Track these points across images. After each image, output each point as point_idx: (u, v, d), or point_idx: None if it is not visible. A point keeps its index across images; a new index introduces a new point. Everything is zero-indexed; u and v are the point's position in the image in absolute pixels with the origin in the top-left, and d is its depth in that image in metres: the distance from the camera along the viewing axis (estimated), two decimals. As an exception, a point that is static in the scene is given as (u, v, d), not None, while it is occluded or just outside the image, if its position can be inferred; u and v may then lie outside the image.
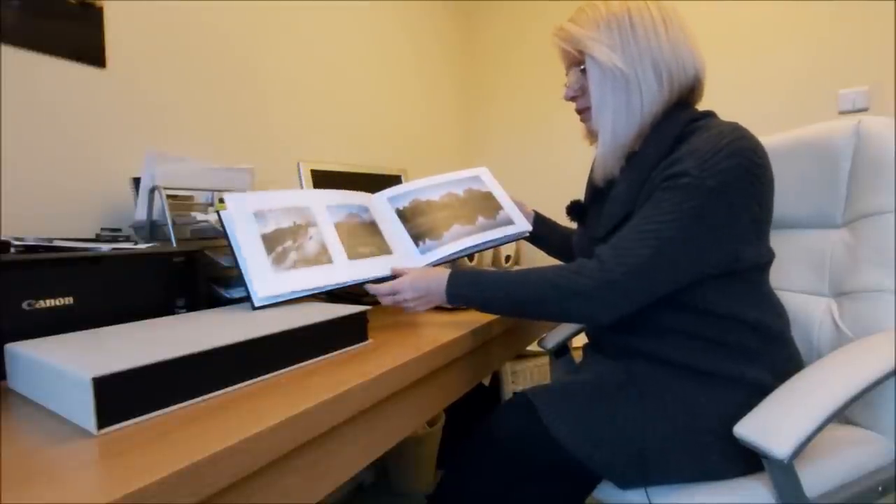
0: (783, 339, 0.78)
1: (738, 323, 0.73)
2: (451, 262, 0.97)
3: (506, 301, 0.77)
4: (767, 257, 0.78)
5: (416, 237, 0.96)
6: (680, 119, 0.76)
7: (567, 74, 0.85)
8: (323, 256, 0.84)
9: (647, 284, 0.70)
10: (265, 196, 0.86)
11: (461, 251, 0.96)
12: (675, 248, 0.68)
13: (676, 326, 0.75)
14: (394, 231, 0.97)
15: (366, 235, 0.92)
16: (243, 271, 0.77)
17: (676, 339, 0.75)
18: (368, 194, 1.01)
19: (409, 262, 0.93)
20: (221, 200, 0.82)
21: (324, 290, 0.82)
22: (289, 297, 0.79)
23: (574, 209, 0.96)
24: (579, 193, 0.97)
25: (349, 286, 0.86)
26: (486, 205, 1.05)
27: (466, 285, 0.80)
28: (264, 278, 0.76)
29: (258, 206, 0.83)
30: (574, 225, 1.00)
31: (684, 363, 0.74)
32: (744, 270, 0.74)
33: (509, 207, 1.06)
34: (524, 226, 1.04)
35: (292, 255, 0.81)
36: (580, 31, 0.79)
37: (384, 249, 0.92)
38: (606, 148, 0.81)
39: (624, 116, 0.78)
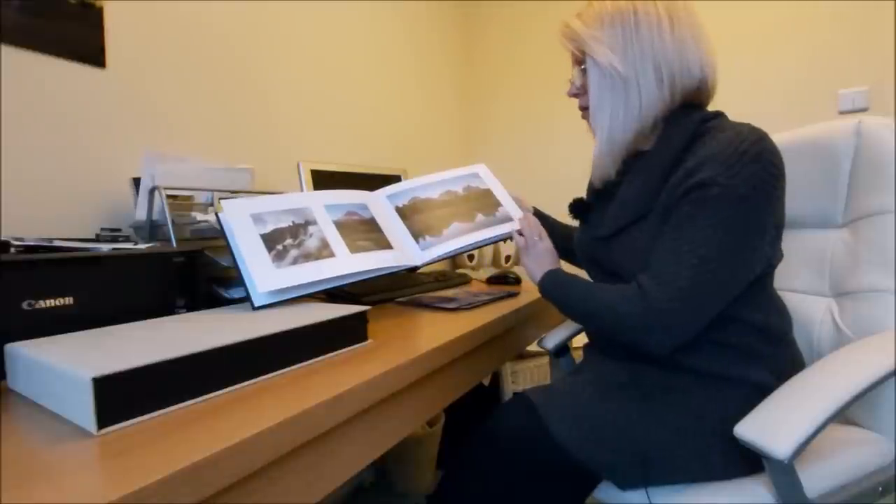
0: (786, 341, 0.78)
1: (743, 325, 0.73)
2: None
3: (576, 310, 0.81)
4: (776, 258, 0.78)
5: (416, 234, 0.96)
6: (690, 119, 0.75)
7: (572, 70, 0.85)
8: (324, 251, 0.84)
9: (698, 306, 0.68)
10: (262, 199, 0.86)
11: (461, 248, 0.96)
12: (717, 265, 0.66)
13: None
14: (394, 228, 0.97)
15: (366, 231, 0.92)
16: (243, 271, 0.77)
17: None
18: (367, 192, 1.01)
19: (409, 258, 0.93)
20: (219, 203, 0.82)
21: (329, 283, 0.82)
22: (294, 294, 0.79)
23: (577, 207, 0.95)
24: (580, 193, 0.97)
25: (351, 285, 0.86)
26: (485, 202, 1.05)
27: (553, 283, 0.85)
28: (266, 274, 0.76)
29: (255, 209, 0.83)
30: (575, 222, 0.99)
31: (687, 365, 0.74)
32: (759, 273, 0.74)
33: (508, 204, 1.06)
34: None
35: (293, 252, 0.81)
36: (584, 30, 0.79)
37: (385, 244, 0.92)
38: (602, 148, 0.80)
39: (621, 118, 0.77)
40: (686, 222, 0.69)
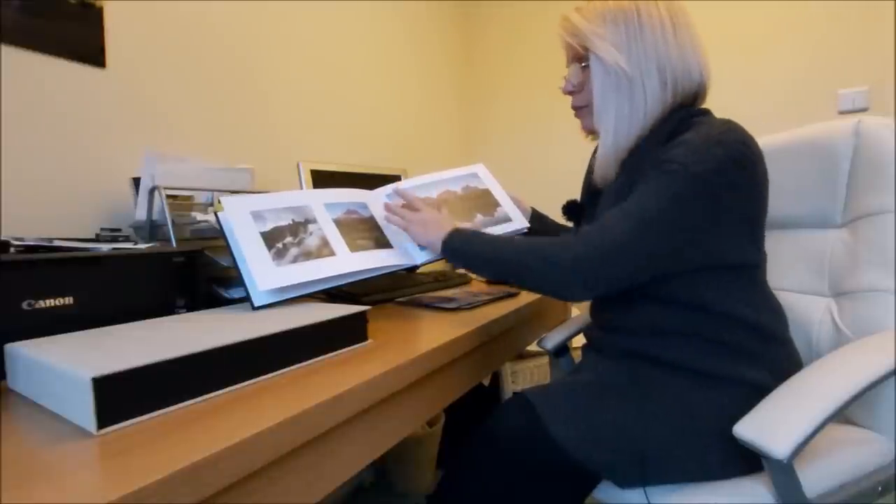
0: (782, 340, 0.78)
1: (736, 323, 0.73)
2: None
3: (492, 259, 0.78)
4: (757, 256, 0.77)
5: None
6: (676, 117, 0.76)
7: (568, 66, 0.84)
8: (324, 250, 0.84)
9: (625, 261, 0.69)
10: (262, 197, 0.86)
11: None
12: (655, 228, 0.68)
13: (675, 326, 0.75)
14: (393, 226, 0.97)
15: (365, 230, 0.92)
16: (243, 270, 0.77)
17: (676, 339, 0.75)
18: (366, 191, 1.01)
19: (410, 257, 0.93)
20: (220, 202, 0.82)
21: (329, 282, 0.82)
22: (294, 293, 0.78)
23: (570, 209, 0.96)
24: (578, 193, 0.97)
25: (350, 285, 0.86)
26: (483, 202, 1.05)
27: (463, 239, 0.83)
28: (266, 272, 0.76)
29: (255, 206, 0.83)
30: (571, 223, 1.00)
31: (684, 364, 0.74)
32: (735, 267, 0.74)
33: (507, 204, 1.06)
34: (522, 223, 1.04)
35: (293, 251, 0.81)
36: (586, 26, 0.78)
37: (384, 243, 0.92)
38: (607, 149, 0.80)
39: (626, 119, 0.77)
40: (639, 189, 0.71)
